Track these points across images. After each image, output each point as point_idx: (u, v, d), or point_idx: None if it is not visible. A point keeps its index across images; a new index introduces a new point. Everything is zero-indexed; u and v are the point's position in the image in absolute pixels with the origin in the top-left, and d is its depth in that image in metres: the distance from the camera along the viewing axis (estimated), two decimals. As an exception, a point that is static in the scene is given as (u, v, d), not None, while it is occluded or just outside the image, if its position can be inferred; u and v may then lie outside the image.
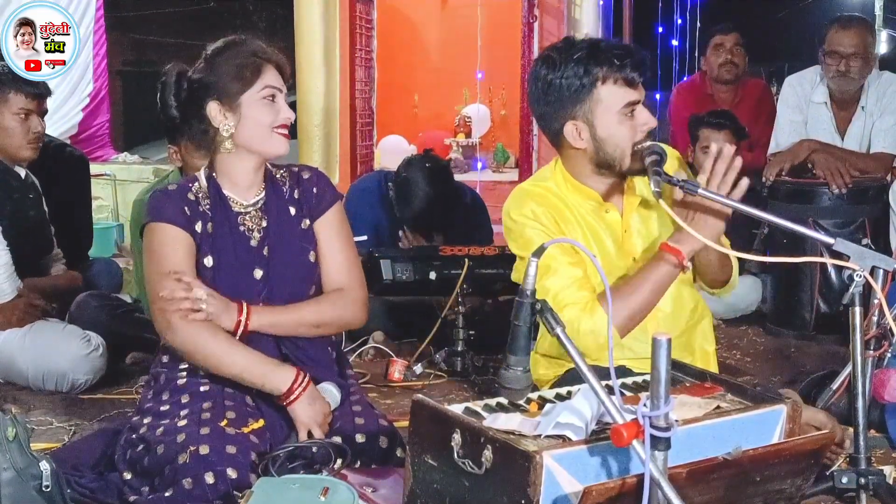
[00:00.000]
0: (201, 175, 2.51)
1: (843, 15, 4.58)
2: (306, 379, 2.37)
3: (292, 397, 2.34)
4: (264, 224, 2.49)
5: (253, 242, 2.47)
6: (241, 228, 2.48)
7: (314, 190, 2.55)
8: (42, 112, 3.72)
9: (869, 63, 4.33)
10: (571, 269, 2.39)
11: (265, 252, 2.48)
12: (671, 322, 2.54)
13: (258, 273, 2.46)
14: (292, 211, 2.52)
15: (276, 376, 2.35)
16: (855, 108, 4.43)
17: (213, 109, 2.42)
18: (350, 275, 2.55)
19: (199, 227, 2.44)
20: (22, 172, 3.75)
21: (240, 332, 2.39)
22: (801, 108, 4.51)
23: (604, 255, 2.49)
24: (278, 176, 2.56)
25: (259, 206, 2.50)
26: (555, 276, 2.37)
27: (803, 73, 4.58)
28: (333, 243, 2.55)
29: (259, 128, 2.42)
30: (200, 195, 2.47)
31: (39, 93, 3.68)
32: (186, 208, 2.44)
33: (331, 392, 2.44)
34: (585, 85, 2.38)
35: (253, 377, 2.36)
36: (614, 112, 2.38)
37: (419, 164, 4.13)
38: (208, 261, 2.43)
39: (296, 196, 2.54)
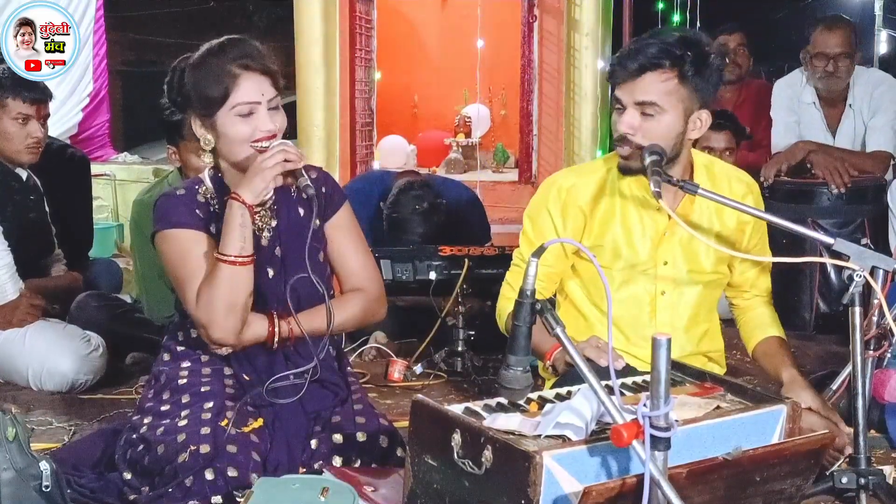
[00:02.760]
0: (206, 176, 2.48)
1: (828, 16, 4.65)
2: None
3: (240, 199, 2.30)
4: (274, 223, 2.47)
5: (263, 242, 2.45)
6: (252, 228, 2.46)
7: (323, 190, 2.53)
8: (43, 117, 3.70)
9: (854, 61, 4.38)
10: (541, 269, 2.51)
11: (277, 252, 2.47)
12: (683, 336, 2.58)
13: (270, 273, 2.45)
14: (301, 211, 2.50)
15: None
16: (843, 107, 4.48)
17: (196, 124, 2.41)
18: (368, 274, 2.57)
19: (213, 228, 2.42)
20: (24, 174, 3.75)
21: (275, 339, 2.40)
22: (794, 109, 4.56)
23: (631, 248, 2.55)
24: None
25: (268, 205, 2.48)
26: (528, 246, 2.59)
27: (792, 75, 4.65)
28: (348, 244, 2.55)
29: (236, 144, 2.37)
30: (209, 196, 2.45)
31: (39, 98, 3.67)
32: (198, 211, 2.41)
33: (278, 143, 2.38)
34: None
35: (237, 226, 2.32)
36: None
37: (407, 202, 4.07)
38: None
39: (304, 196, 2.53)
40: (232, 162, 2.42)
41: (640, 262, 2.55)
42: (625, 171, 2.49)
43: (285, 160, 2.30)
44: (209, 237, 2.39)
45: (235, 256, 2.30)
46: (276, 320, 2.40)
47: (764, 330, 2.68)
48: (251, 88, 2.35)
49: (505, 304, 2.61)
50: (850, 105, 4.45)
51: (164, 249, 2.41)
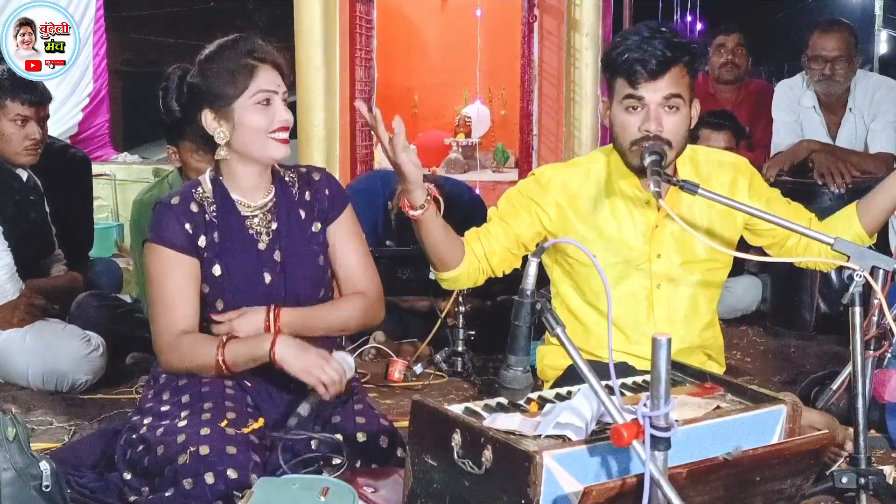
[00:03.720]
0: (206, 178, 2.48)
1: (826, 19, 4.67)
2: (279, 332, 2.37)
3: (272, 353, 2.31)
4: (273, 227, 2.47)
5: (261, 245, 2.45)
6: (250, 232, 2.45)
7: (326, 192, 2.53)
8: (41, 118, 3.70)
9: (853, 65, 4.39)
10: (504, 226, 2.56)
11: (276, 256, 2.46)
12: (682, 328, 2.57)
13: (267, 277, 2.45)
14: (302, 214, 2.50)
15: (258, 346, 2.36)
16: (843, 111, 4.48)
17: (208, 117, 2.40)
18: (368, 277, 2.56)
19: (202, 241, 2.42)
20: (24, 174, 3.75)
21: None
22: (794, 110, 4.57)
23: (624, 244, 2.55)
24: (286, 178, 2.53)
25: (268, 208, 2.48)
26: (498, 211, 2.59)
27: (793, 79, 4.68)
28: (350, 247, 2.55)
29: (254, 134, 2.38)
30: (206, 202, 2.45)
31: (37, 100, 3.67)
32: (188, 225, 2.41)
33: (344, 359, 2.41)
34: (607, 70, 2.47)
35: (245, 361, 2.35)
36: (617, 102, 2.45)
37: None
38: (216, 269, 2.42)
39: (306, 198, 2.52)
40: (245, 154, 2.42)
41: (633, 257, 2.55)
42: (641, 171, 2.43)
43: (323, 383, 2.31)
44: (191, 260, 2.41)
45: (222, 362, 2.34)
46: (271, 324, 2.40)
47: (837, 221, 2.61)
48: (269, 78, 2.40)
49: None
50: (850, 109, 4.46)
51: (148, 261, 2.44)
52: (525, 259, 1.85)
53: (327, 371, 2.31)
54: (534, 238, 2.57)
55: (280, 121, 2.39)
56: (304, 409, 2.33)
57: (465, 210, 4.33)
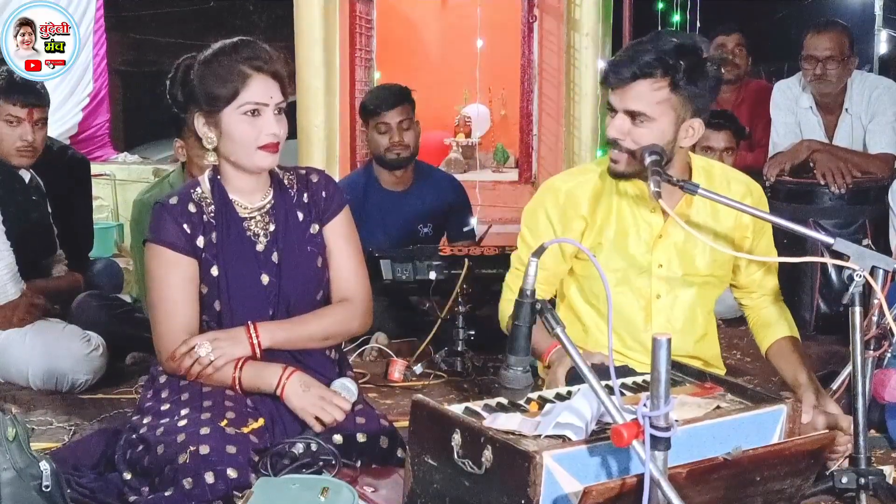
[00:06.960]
0: (205, 178, 2.48)
1: (820, 20, 4.66)
2: (289, 369, 2.39)
3: (278, 390, 2.36)
4: (271, 228, 2.47)
5: (259, 247, 2.45)
6: (248, 234, 2.45)
7: (323, 194, 2.52)
8: (36, 121, 3.67)
9: (847, 66, 4.38)
10: (547, 272, 2.58)
11: (273, 258, 2.46)
12: (679, 339, 2.56)
13: (265, 279, 2.45)
14: (300, 216, 2.50)
15: (267, 382, 2.38)
16: (840, 112, 4.48)
17: (199, 121, 2.40)
18: (357, 283, 2.55)
19: (200, 241, 2.42)
20: (26, 175, 3.74)
21: (257, 354, 2.40)
22: (792, 110, 4.58)
23: (626, 251, 2.54)
24: (285, 180, 2.53)
25: (266, 209, 2.47)
26: (527, 249, 2.58)
27: (790, 80, 4.68)
28: (342, 250, 2.54)
29: (239, 145, 2.37)
30: (204, 203, 2.45)
31: (32, 102, 3.65)
32: (186, 225, 2.41)
33: (345, 387, 2.44)
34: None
35: (254, 389, 2.39)
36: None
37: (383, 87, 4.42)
38: (214, 271, 2.42)
39: (304, 200, 2.52)
40: (233, 162, 2.42)
41: (635, 264, 2.55)
42: (615, 175, 2.48)
43: (321, 420, 2.35)
44: (190, 261, 2.41)
45: (238, 381, 2.38)
46: (252, 334, 2.40)
47: (774, 331, 2.68)
48: (260, 89, 2.36)
49: (506, 307, 2.60)
50: (846, 110, 4.46)
51: (148, 261, 2.44)
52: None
53: (327, 410, 2.35)
54: (567, 264, 2.65)
55: (268, 135, 2.37)
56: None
57: (449, 201, 4.40)
